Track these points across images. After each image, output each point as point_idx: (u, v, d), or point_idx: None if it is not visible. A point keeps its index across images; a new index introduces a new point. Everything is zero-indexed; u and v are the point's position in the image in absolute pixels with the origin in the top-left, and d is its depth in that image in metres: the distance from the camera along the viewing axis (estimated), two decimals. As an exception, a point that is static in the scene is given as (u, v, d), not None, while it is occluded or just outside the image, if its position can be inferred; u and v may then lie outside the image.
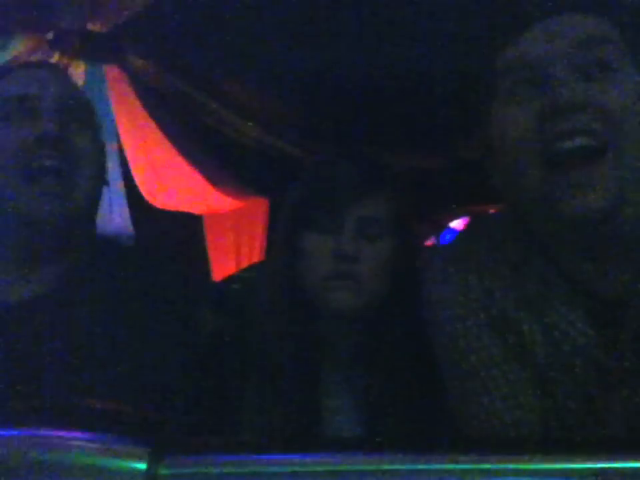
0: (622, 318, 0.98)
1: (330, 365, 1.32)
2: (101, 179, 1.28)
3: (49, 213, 1.17)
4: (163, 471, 0.49)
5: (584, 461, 0.55)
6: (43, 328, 1.14)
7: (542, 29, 0.97)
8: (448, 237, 5.24)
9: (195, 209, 4.29)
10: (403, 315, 1.26)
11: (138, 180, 3.84)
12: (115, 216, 3.55)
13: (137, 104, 3.74)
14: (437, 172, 4.06)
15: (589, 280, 1.00)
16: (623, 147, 0.93)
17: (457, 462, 0.53)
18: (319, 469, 0.51)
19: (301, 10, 2.62)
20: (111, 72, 3.65)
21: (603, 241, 0.97)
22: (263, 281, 1.41)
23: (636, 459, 0.55)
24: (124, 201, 3.65)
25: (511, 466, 0.54)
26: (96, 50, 3.56)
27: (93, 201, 1.28)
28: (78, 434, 0.50)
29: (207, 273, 4.46)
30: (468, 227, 1.26)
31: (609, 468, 0.54)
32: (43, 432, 0.50)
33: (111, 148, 3.60)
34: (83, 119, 1.26)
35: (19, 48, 3.40)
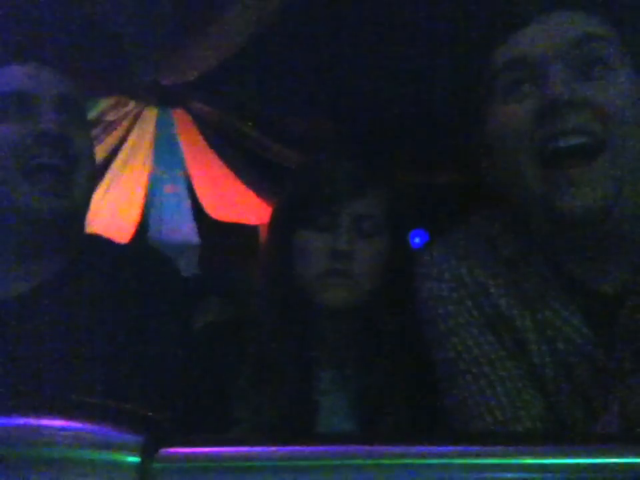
0: (618, 316, 0.83)
1: (325, 362, 1.13)
2: (94, 178, 1.14)
3: (48, 211, 1.01)
4: (157, 465, 0.40)
5: (580, 456, 0.43)
6: (40, 323, 0.99)
7: (540, 26, 0.82)
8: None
9: (249, 220, 4.28)
10: (397, 312, 1.08)
11: (202, 199, 3.88)
12: (183, 228, 3.58)
13: (200, 138, 3.80)
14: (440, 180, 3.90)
15: (586, 278, 0.85)
16: (621, 146, 0.78)
17: (451, 456, 0.42)
18: (314, 462, 0.41)
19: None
20: (178, 114, 3.73)
21: (600, 239, 0.83)
22: (259, 278, 1.19)
23: (632, 455, 0.44)
24: (191, 216, 3.67)
25: (506, 461, 0.42)
26: (166, 98, 3.65)
27: (88, 199, 1.11)
28: (69, 425, 0.41)
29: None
30: (462, 223, 1.04)
31: (606, 464, 0.43)
32: (33, 423, 0.41)
33: (179, 174, 3.65)
34: (80, 118, 1.12)
35: (104, 104, 3.43)
